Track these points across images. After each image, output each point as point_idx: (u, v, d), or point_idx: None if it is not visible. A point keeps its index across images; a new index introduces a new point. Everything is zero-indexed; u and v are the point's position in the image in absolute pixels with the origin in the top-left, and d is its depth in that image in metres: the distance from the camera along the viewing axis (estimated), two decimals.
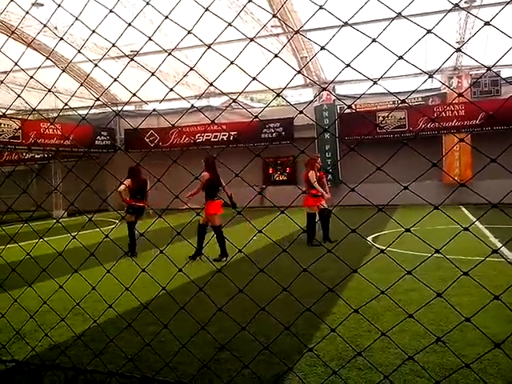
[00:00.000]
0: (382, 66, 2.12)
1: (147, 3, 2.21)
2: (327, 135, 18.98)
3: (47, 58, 14.02)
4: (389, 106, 18.81)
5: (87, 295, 3.15)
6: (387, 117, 17.94)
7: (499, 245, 8.03)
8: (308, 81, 19.89)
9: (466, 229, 2.04)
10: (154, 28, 2.70)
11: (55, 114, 22.77)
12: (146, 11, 2.55)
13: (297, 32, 9.74)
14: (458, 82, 17.93)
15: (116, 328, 3.97)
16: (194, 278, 6.09)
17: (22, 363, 3.18)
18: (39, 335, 3.82)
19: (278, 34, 16.29)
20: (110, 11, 2.22)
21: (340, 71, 2.03)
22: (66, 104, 2.87)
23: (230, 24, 2.22)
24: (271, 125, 19.85)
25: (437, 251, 2.09)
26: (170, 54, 2.46)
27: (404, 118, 17.99)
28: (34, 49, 16.18)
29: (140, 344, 3.58)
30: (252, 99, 29.32)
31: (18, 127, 17.06)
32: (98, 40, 16.04)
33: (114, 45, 2.35)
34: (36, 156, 23.08)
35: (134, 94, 2.34)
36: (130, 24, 2.27)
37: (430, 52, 15.97)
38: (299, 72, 2.15)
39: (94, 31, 2.36)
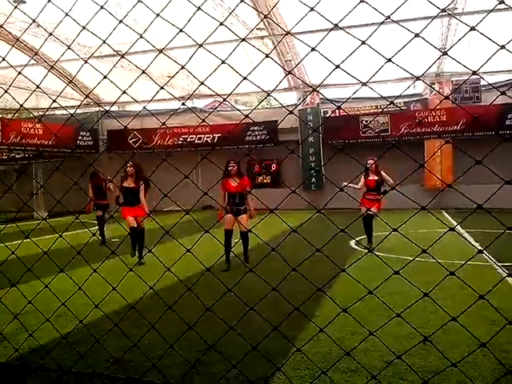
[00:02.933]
0: (367, 71, 2.14)
1: (138, 1, 2.19)
2: (311, 139, 19.08)
3: (32, 58, 13.78)
4: (372, 110, 19.01)
5: (72, 296, 3.10)
6: (370, 121, 18.11)
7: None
8: (292, 84, 19.98)
9: (452, 229, 2.07)
10: (138, 27, 2.69)
11: (36, 114, 22.48)
12: (130, 11, 2.52)
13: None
14: (440, 88, 18.19)
15: (100, 330, 3.92)
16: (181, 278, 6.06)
17: (3, 365, 3.11)
18: (21, 337, 3.75)
19: (263, 37, 16.33)
20: (101, 7, 2.19)
21: (330, 72, 2.05)
22: (55, 101, 2.83)
23: (221, 23, 2.22)
24: (255, 128, 19.85)
25: (424, 251, 2.11)
26: (160, 51, 2.44)
27: (387, 123, 18.19)
28: (15, 47, 15.93)
29: (125, 346, 3.54)
30: (236, 101, 29.30)
31: None
32: (82, 39, 15.87)
33: (104, 41, 2.33)
34: (16, 156, 22.71)
35: (124, 92, 2.33)
36: (121, 21, 2.25)
37: (412, 58, 16.19)
38: (289, 72, 2.16)
39: (84, 27, 2.33)
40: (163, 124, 2.51)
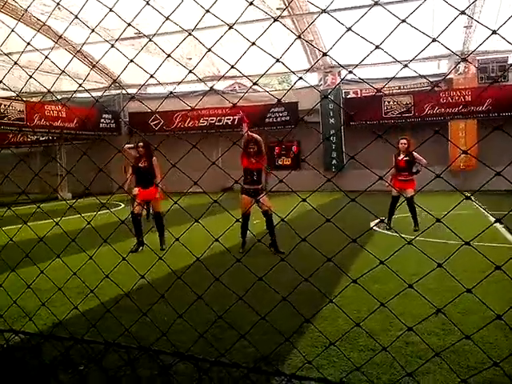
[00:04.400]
0: (389, 50, 2.09)
1: None
2: (332, 120, 18.88)
3: (56, 43, 13.91)
4: (394, 91, 18.67)
5: (88, 274, 3.17)
6: (394, 102, 17.79)
7: (504, 231, 8.02)
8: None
9: (468, 198, 2.03)
10: (159, 9, 2.68)
11: (59, 97, 22.73)
12: None
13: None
14: (465, 68, 17.73)
15: (119, 306, 4.00)
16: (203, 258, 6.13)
17: (19, 332, 3.21)
18: (43, 312, 3.85)
19: (283, 17, 16.12)
20: None
21: (343, 34, 2.00)
22: (81, 85, 2.85)
23: (251, 3, 2.17)
24: (276, 109, 19.72)
25: (438, 220, 2.08)
26: (190, 34, 2.42)
27: (410, 103, 17.85)
28: (36, 30, 16.05)
29: (142, 323, 3.62)
30: (256, 83, 29.05)
31: (21, 109, 17.03)
32: (103, 22, 15.90)
33: (129, 24, 2.33)
34: (41, 138, 23.10)
35: (152, 76, 2.33)
36: (147, 3, 2.25)
37: (436, 36, 15.75)
38: (325, 54, 2.12)
39: (111, 9, 2.33)
40: (192, 108, 2.51)
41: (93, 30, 2.69)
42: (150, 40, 2.52)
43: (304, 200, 2.24)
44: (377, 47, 1.95)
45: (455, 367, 2.98)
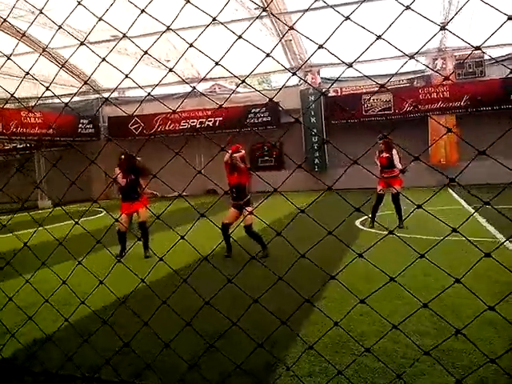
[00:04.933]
0: (365, 48, 2.02)
1: None
2: (313, 119, 18.90)
3: (20, 40, 13.61)
4: (374, 88, 18.76)
5: (56, 289, 3.04)
6: (370, 100, 17.88)
7: (487, 225, 8.09)
8: (293, 64, 19.72)
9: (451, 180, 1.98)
10: (134, 10, 2.57)
11: (35, 103, 22.32)
12: None
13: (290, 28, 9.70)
14: (443, 64, 17.91)
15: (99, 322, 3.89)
16: (181, 267, 6.02)
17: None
18: (26, 328, 3.71)
19: (261, 17, 16.05)
20: None
21: (329, 36, 1.93)
22: (48, 88, 2.73)
23: (227, 3, 2.09)
24: (257, 110, 19.66)
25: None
26: (168, 27, 2.32)
27: (389, 101, 17.97)
28: (8, 33, 15.73)
29: (125, 336, 3.51)
30: (236, 84, 28.99)
31: None
32: (76, 24, 15.63)
33: (101, 19, 2.21)
34: (18, 146, 22.65)
35: (127, 76, 2.23)
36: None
37: (413, 34, 15.90)
38: (322, 46, 2.04)
39: (79, 3, 2.22)
40: (174, 111, 2.41)
41: (60, 27, 2.56)
42: (124, 36, 2.42)
43: (302, 211, 2.17)
44: (378, 37, 1.88)
45: (449, 368, 2.94)
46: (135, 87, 21.14)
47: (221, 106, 2.27)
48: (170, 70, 2.30)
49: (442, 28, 2.12)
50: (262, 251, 6.59)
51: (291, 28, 2.14)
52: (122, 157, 7.43)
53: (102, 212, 14.48)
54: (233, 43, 2.15)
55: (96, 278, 2.52)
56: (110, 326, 2.65)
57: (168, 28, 2.23)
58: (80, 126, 20.55)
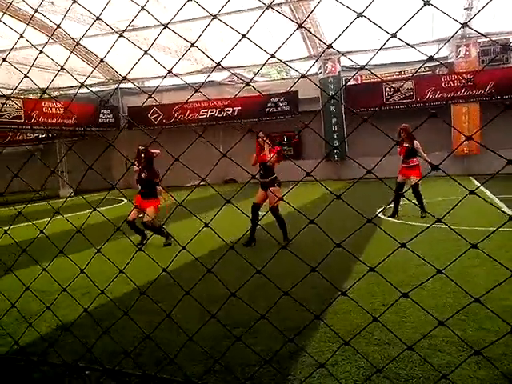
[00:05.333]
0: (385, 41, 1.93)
1: None
2: (333, 108, 18.68)
3: (50, 38, 13.69)
4: (395, 76, 18.45)
5: (74, 278, 3.05)
6: (399, 87, 17.55)
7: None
8: (312, 53, 19.49)
9: (472, 192, 1.89)
10: (152, 1, 2.53)
11: (57, 93, 22.55)
12: None
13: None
14: (466, 51, 17.49)
15: (125, 307, 3.91)
16: (202, 254, 6.02)
17: (7, 359, 3.05)
18: (48, 315, 3.75)
19: (280, 4, 15.87)
20: None
21: (352, 21, 1.85)
22: (83, 84, 2.69)
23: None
24: (276, 99, 19.51)
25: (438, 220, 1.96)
26: (166, 26, 2.26)
27: (411, 89, 17.63)
28: (30, 25, 15.87)
29: (148, 324, 3.53)
30: (255, 73, 28.81)
31: (19, 107, 16.86)
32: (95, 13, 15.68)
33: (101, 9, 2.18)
34: (40, 136, 22.96)
35: (169, 71, 2.18)
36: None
37: (436, 19, 15.53)
38: (330, 46, 1.98)
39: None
40: (186, 101, 2.37)
41: (97, 18, 2.52)
42: (166, 26, 2.37)
43: (338, 197, 2.11)
44: (393, 35, 1.80)
45: (474, 359, 2.87)
46: (154, 77, 21.19)
47: (235, 96, 2.20)
48: (192, 45, 2.20)
49: (464, 25, 2.02)
50: (284, 238, 6.62)
51: (330, 46, 2.03)
52: (140, 148, 7.45)
53: (123, 201, 14.62)
54: (235, 45, 2.09)
55: (119, 263, 2.52)
56: (130, 318, 2.64)
57: (164, 26, 2.17)
58: (100, 115, 20.70)
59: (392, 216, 8.51)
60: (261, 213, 6.70)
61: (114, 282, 2.88)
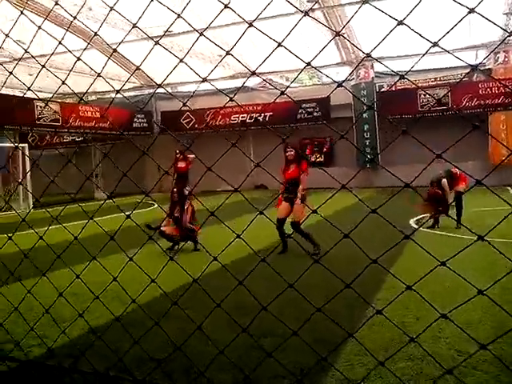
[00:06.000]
0: (422, 42, 1.85)
1: None
2: (365, 115, 18.46)
3: (88, 43, 14.02)
4: (430, 83, 18.09)
5: (107, 286, 3.06)
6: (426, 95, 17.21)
7: None
8: (345, 58, 19.34)
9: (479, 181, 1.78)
10: (187, 11, 2.52)
11: (93, 97, 23.08)
12: None
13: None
14: (505, 57, 17.00)
15: (153, 313, 3.91)
16: (231, 262, 6.00)
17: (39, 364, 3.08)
18: (81, 320, 3.78)
19: (313, 9, 15.81)
20: None
21: (393, 28, 1.78)
22: (118, 92, 2.72)
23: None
24: (307, 105, 19.43)
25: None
26: (201, 34, 2.24)
27: (447, 96, 17.24)
28: (69, 31, 16.28)
29: (181, 329, 3.51)
30: (287, 79, 28.80)
31: (56, 110, 17.34)
32: (134, 21, 15.99)
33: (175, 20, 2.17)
34: (76, 139, 23.51)
35: (204, 79, 2.18)
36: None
37: (474, 23, 15.16)
38: (368, 54, 1.93)
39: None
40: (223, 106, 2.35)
41: (134, 25, 2.53)
42: (203, 33, 2.33)
43: (374, 211, 2.05)
44: (434, 44, 1.73)
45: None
46: (187, 82, 21.43)
47: (274, 101, 2.15)
48: (227, 53, 2.18)
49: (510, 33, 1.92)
50: (314, 249, 6.54)
51: (368, 55, 1.97)
52: (177, 152, 7.59)
53: (154, 204, 14.79)
54: (270, 53, 2.06)
55: (151, 267, 2.51)
56: (161, 328, 2.63)
57: (201, 34, 2.16)
58: (135, 120, 21.06)
59: (432, 227, 8.30)
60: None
61: (144, 287, 2.88)
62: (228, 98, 2.23)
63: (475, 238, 1.80)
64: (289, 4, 2.41)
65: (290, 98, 2.37)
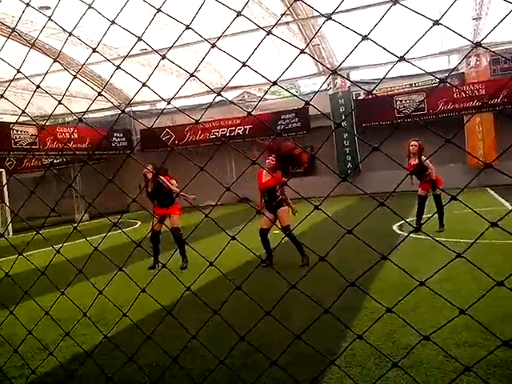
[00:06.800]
0: (397, 48, 1.86)
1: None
2: (344, 123, 18.63)
3: (55, 60, 13.94)
4: (406, 89, 18.38)
5: (92, 302, 2.99)
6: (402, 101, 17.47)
7: None
8: (321, 69, 19.55)
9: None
10: (161, 25, 2.51)
11: (70, 119, 22.88)
12: (151, 9, 2.30)
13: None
14: (477, 61, 17.39)
15: (139, 334, 3.83)
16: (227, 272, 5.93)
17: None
18: (63, 345, 3.70)
19: (288, 22, 15.98)
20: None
21: (357, 44, 1.78)
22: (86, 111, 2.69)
23: (238, 14, 1.98)
24: (287, 116, 19.55)
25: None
26: (166, 53, 2.24)
27: (423, 101, 17.52)
28: (45, 53, 16.16)
29: (168, 349, 3.43)
30: (265, 91, 28.98)
31: (34, 133, 17.12)
32: (109, 41, 15.96)
33: (140, 38, 2.12)
34: (55, 161, 23.22)
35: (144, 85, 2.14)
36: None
37: (446, 29, 15.44)
38: (334, 71, 1.93)
39: (113, 21, 2.13)
40: (196, 122, 2.33)
41: (94, 50, 2.50)
42: (164, 57, 2.28)
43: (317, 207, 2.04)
44: (401, 58, 1.74)
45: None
46: (164, 99, 21.37)
47: (249, 114, 2.10)
48: (191, 75, 2.16)
49: (476, 45, 1.94)
50: (302, 259, 6.42)
51: (334, 72, 1.99)
52: (148, 169, 7.29)
53: (136, 223, 14.63)
54: (231, 77, 2.05)
55: (131, 290, 2.45)
56: (154, 342, 2.56)
57: (211, 41, 2.14)
58: (114, 139, 20.91)
59: (415, 231, 8.29)
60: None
61: (126, 309, 2.81)
62: (207, 113, 2.20)
63: (460, 240, 1.80)
64: (264, 19, 2.41)
65: (257, 118, 2.35)
